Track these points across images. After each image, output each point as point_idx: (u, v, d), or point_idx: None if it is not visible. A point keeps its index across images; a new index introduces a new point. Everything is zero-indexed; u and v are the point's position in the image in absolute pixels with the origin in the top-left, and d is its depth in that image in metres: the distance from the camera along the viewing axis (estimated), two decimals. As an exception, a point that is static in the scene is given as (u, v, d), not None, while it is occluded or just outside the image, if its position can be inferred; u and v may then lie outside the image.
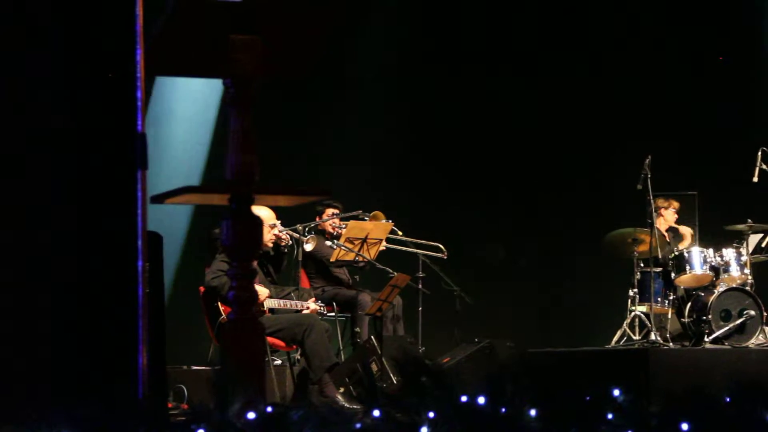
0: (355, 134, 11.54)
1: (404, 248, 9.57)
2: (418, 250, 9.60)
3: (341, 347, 8.99)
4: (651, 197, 9.57)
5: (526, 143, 12.11)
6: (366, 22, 11.63)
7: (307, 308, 8.01)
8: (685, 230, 10.44)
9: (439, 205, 11.89)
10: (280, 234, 8.15)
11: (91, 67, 3.79)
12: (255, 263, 3.75)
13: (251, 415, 2.87)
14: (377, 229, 9.07)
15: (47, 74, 3.76)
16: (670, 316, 9.63)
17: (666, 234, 10.33)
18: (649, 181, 9.49)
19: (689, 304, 9.52)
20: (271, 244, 8.09)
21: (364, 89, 11.76)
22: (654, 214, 9.94)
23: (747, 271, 9.55)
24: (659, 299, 9.59)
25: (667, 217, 10.34)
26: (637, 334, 9.59)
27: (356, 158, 11.50)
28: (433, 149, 11.99)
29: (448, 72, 12.06)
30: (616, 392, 3.06)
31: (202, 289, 7.74)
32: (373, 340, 8.32)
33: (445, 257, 9.61)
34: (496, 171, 12.11)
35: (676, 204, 10.39)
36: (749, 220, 9.79)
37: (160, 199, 3.71)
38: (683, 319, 9.54)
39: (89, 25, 3.79)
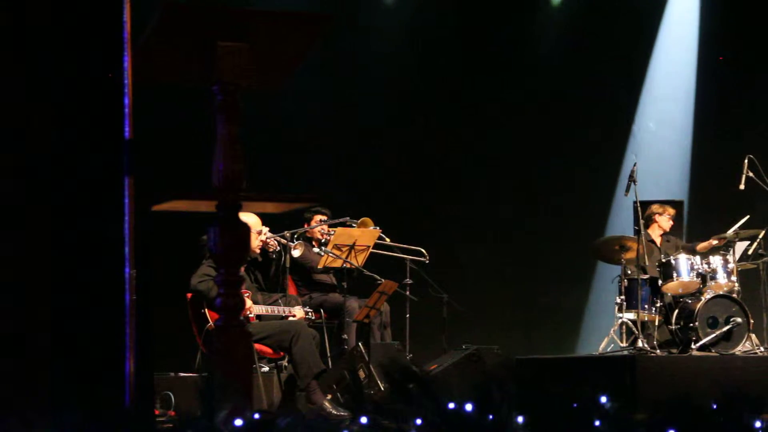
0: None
1: (389, 253, 9.55)
2: (404, 255, 9.60)
3: (329, 354, 8.98)
4: (638, 204, 9.58)
5: (515, 148, 12.13)
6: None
7: (294, 315, 8.00)
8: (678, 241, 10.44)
9: (428, 209, 11.89)
10: (267, 240, 8.14)
11: (79, 73, 3.78)
12: (242, 270, 3.75)
13: (238, 422, 2.87)
14: (365, 235, 9.07)
15: (37, 81, 3.75)
16: (657, 323, 9.63)
17: (659, 239, 10.31)
18: (636, 188, 9.50)
19: (676, 311, 9.53)
20: (258, 251, 8.08)
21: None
22: (646, 220, 9.98)
23: (734, 278, 9.57)
24: (646, 306, 9.58)
25: (661, 223, 10.31)
26: (624, 341, 9.59)
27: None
28: (423, 151, 11.98)
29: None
30: (603, 399, 3.07)
31: (189, 295, 7.72)
32: (361, 346, 8.31)
33: (427, 261, 9.60)
34: (486, 176, 12.12)
35: (671, 210, 10.34)
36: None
37: (146, 206, 3.71)
38: (670, 326, 9.55)
39: (77, 31, 3.78)
